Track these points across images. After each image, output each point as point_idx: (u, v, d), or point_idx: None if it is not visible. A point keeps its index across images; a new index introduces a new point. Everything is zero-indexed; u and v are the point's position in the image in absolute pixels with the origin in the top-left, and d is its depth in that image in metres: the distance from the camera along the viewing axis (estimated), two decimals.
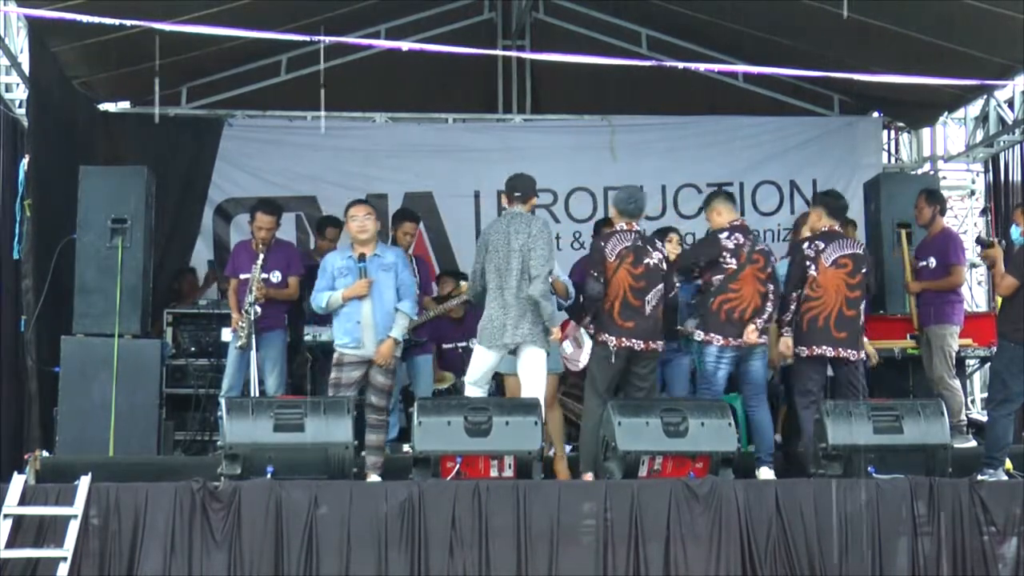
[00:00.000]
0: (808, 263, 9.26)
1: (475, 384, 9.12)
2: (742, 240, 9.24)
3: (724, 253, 9.19)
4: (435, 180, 13.41)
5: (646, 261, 9.09)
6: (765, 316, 9.19)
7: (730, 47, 13.32)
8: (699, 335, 9.18)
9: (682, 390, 10.05)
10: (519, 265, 8.91)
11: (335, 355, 9.21)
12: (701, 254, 9.41)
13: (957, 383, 10.38)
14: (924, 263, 10.44)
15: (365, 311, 9.11)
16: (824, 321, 9.19)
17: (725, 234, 9.26)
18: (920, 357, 10.56)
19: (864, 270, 9.33)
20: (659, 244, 9.32)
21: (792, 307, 9.22)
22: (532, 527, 8.06)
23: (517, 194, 9.13)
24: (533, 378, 8.96)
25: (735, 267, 9.17)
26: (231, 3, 10.81)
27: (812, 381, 9.22)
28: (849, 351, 9.18)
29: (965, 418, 10.39)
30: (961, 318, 10.40)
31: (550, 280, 8.97)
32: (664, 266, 9.18)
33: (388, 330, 9.09)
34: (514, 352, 8.98)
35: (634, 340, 8.98)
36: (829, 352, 9.17)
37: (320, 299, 9.26)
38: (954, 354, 10.33)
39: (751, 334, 9.08)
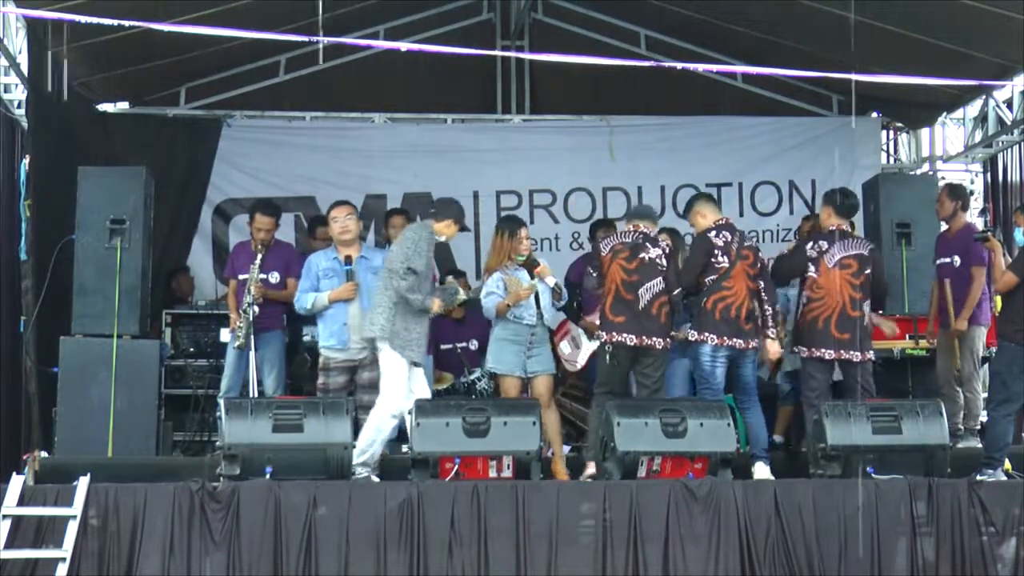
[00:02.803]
0: (809, 263, 9.25)
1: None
2: (730, 238, 9.21)
3: (715, 251, 9.16)
4: (434, 180, 13.37)
5: (641, 255, 9.10)
6: (773, 322, 9.17)
7: (728, 47, 13.32)
8: (693, 335, 9.11)
9: (680, 390, 9.89)
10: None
11: (321, 359, 9.28)
12: (699, 260, 9.25)
13: (981, 385, 10.26)
14: (948, 260, 10.15)
15: (352, 313, 9.17)
16: (824, 323, 9.15)
17: (713, 232, 9.23)
18: (920, 358, 10.50)
19: (868, 271, 9.28)
20: (661, 243, 9.28)
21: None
22: (531, 528, 8.06)
23: (432, 210, 9.26)
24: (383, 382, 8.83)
25: (727, 264, 9.13)
26: (230, 3, 10.81)
27: (815, 380, 9.18)
28: (852, 352, 9.12)
29: (981, 424, 10.23)
30: (988, 317, 10.14)
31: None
32: (664, 262, 9.14)
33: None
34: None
35: (625, 335, 8.95)
36: (829, 354, 9.13)
37: (305, 300, 9.32)
38: (980, 355, 10.18)
39: (772, 345, 9.13)
